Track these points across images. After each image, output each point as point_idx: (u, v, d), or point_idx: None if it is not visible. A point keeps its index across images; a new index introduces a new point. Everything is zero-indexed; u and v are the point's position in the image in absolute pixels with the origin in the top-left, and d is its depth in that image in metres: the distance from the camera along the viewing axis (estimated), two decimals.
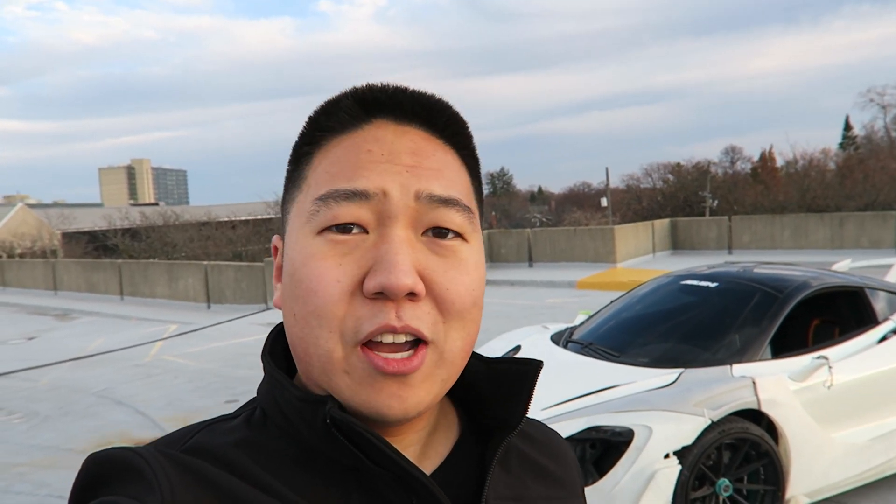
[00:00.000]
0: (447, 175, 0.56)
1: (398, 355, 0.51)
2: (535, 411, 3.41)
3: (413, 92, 0.58)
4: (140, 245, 23.48)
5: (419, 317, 0.51)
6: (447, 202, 0.54)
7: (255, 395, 0.61)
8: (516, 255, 17.91)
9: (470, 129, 0.61)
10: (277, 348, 0.61)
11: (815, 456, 3.52)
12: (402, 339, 0.51)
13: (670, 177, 34.17)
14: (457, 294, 0.53)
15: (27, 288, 19.59)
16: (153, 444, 0.54)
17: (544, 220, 44.04)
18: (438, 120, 0.58)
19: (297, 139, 0.59)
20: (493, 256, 18.31)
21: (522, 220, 42.17)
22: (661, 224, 19.14)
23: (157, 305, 14.67)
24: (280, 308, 0.57)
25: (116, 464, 0.49)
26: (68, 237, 31.24)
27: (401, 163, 0.54)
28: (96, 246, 27.50)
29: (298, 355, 0.55)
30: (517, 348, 4.47)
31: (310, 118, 0.58)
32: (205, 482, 0.49)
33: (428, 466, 0.59)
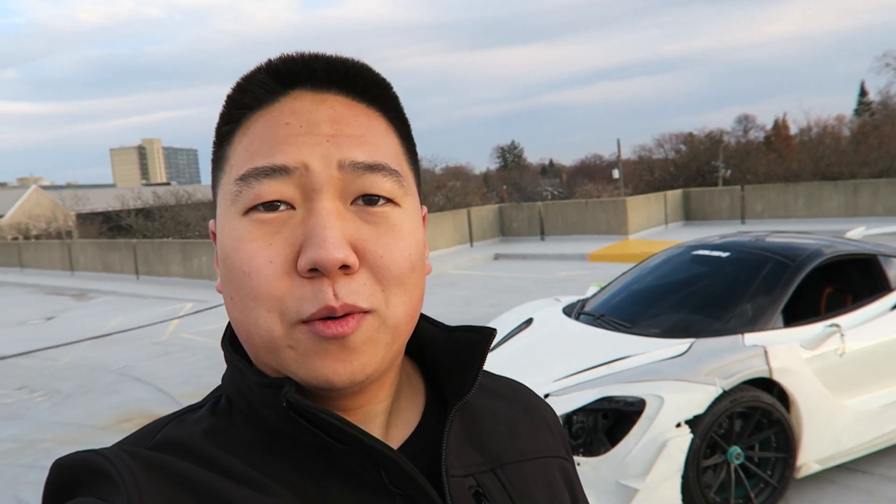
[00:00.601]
0: (371, 140, 0.54)
1: (335, 319, 0.50)
2: (548, 383, 3.45)
3: (329, 58, 0.55)
4: (153, 225, 23.64)
5: (355, 291, 0.50)
6: (373, 168, 0.53)
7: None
8: (528, 228, 17.88)
9: (394, 91, 0.59)
10: (237, 336, 0.60)
11: (827, 423, 3.54)
12: (341, 314, 0.50)
13: (682, 147, 33.81)
14: (392, 260, 0.52)
15: (44, 269, 19.83)
16: (120, 443, 0.54)
17: (556, 193, 43.80)
18: (357, 84, 0.56)
19: (218, 119, 0.57)
20: (505, 230, 18.29)
21: (534, 194, 41.96)
22: (674, 195, 19.00)
23: (172, 284, 14.82)
24: (221, 293, 0.56)
25: (83, 467, 0.49)
26: (82, 218, 31.50)
27: (320, 133, 0.52)
28: (110, 226, 27.73)
29: (242, 337, 0.54)
30: (529, 321, 4.49)
31: (227, 96, 0.56)
32: (172, 477, 0.49)
33: (397, 436, 0.59)
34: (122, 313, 11.68)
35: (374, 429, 0.58)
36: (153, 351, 8.39)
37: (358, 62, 0.57)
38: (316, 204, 0.51)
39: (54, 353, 8.81)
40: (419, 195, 0.61)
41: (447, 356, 0.63)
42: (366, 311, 0.51)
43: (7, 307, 13.80)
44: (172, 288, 14.26)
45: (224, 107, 0.56)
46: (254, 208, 0.52)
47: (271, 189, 0.51)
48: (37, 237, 26.66)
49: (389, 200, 0.54)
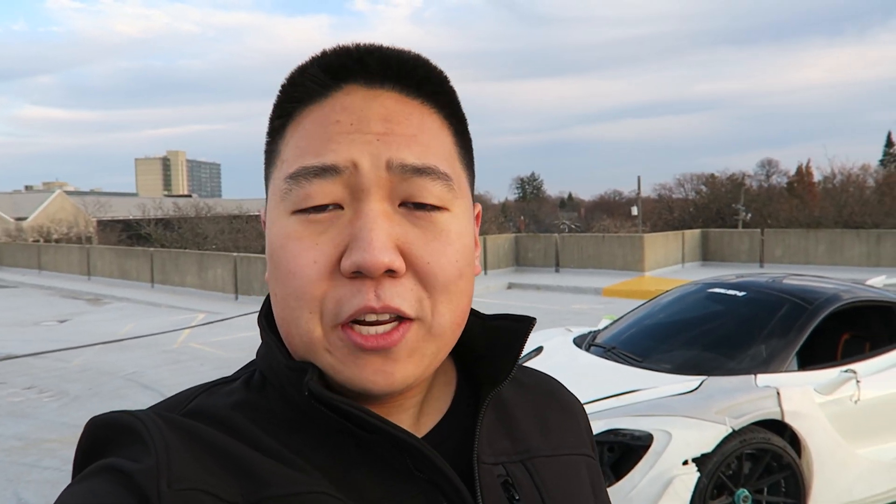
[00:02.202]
0: (423, 140, 0.53)
1: (378, 329, 0.50)
2: None
3: (384, 50, 0.54)
4: (172, 235, 23.89)
5: (400, 294, 0.50)
6: (422, 171, 0.51)
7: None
8: (543, 259, 17.83)
9: (451, 86, 0.57)
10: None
11: (839, 471, 3.45)
12: (385, 316, 0.50)
13: (703, 188, 33.74)
14: (439, 267, 0.51)
15: (62, 272, 20.08)
16: (154, 408, 0.54)
17: (573, 226, 43.77)
18: (412, 79, 0.54)
19: (271, 112, 0.57)
20: (520, 260, 18.26)
21: (551, 226, 41.97)
22: (692, 234, 18.90)
23: (186, 294, 14.92)
24: (268, 283, 0.56)
25: (115, 427, 0.50)
26: (103, 224, 31.94)
27: (370, 131, 0.51)
28: (130, 234, 28.07)
29: (283, 333, 0.54)
30: (539, 349, 4.46)
31: (281, 88, 0.55)
32: (201, 443, 0.49)
33: (426, 424, 0.59)
34: (136, 320, 11.75)
35: (406, 419, 0.58)
36: (163, 359, 8.42)
37: (413, 55, 0.55)
38: (363, 205, 0.50)
39: (66, 355, 8.87)
40: (472, 194, 0.59)
41: (484, 344, 0.62)
42: (411, 320, 0.50)
43: (23, 308, 13.96)
44: (186, 298, 14.35)
45: (277, 99, 0.56)
46: (303, 209, 0.51)
47: (321, 190, 0.50)
48: (57, 241, 27.04)
49: (438, 207, 0.53)
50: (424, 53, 0.57)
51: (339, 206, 0.51)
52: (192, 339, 9.72)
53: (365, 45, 0.54)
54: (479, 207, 0.61)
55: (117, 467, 0.47)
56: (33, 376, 7.67)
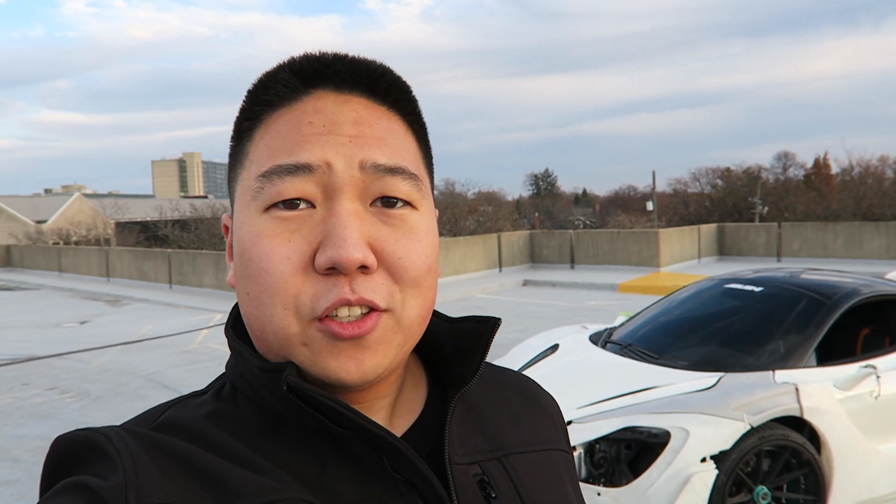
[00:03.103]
0: (392, 143, 0.55)
1: (351, 319, 0.51)
2: (571, 410, 3.41)
3: (352, 59, 0.56)
4: (189, 236, 24.10)
5: (373, 288, 0.51)
6: (393, 171, 0.54)
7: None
8: (558, 256, 17.78)
9: (414, 94, 0.60)
10: (240, 323, 0.60)
11: (860, 467, 3.42)
12: (357, 311, 0.51)
13: (719, 182, 33.46)
14: (410, 262, 0.53)
15: (81, 274, 20.33)
16: (126, 423, 0.55)
17: (588, 222, 43.58)
18: (380, 86, 0.57)
19: (237, 114, 0.58)
20: (535, 257, 18.22)
21: (566, 222, 41.82)
22: (708, 229, 18.74)
23: (203, 294, 15.05)
24: (234, 287, 0.57)
25: (81, 444, 0.50)
26: (121, 226, 32.28)
27: (343, 133, 0.53)
28: (147, 236, 28.37)
29: (255, 333, 0.55)
30: (555, 347, 4.45)
31: (248, 92, 0.57)
32: (170, 456, 0.49)
33: (401, 426, 0.60)
34: (154, 321, 11.88)
35: (378, 420, 0.58)
36: (181, 359, 8.51)
37: (380, 65, 0.57)
38: (336, 203, 0.52)
39: (86, 356, 8.99)
40: (433, 204, 0.62)
41: (449, 346, 0.64)
42: (382, 311, 0.52)
43: (44, 310, 14.16)
44: (204, 298, 14.47)
45: (245, 102, 0.57)
46: (274, 205, 0.52)
47: (293, 186, 0.52)
48: (76, 243, 27.39)
49: (407, 203, 0.55)
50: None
51: (310, 205, 0.52)
52: (209, 340, 9.81)
53: (334, 53, 0.56)
54: (437, 212, 0.63)
55: (84, 484, 0.46)
56: (55, 377, 7.79)
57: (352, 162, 0.53)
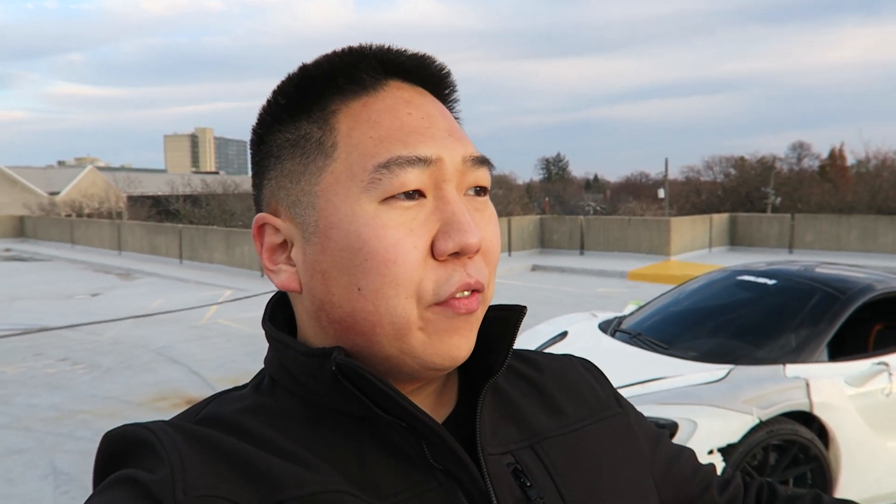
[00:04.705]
0: (467, 137, 0.59)
1: (463, 296, 0.54)
2: None
3: (426, 57, 0.59)
4: (200, 211, 24.20)
5: (479, 270, 0.55)
6: (483, 162, 0.57)
7: None
8: (568, 242, 17.73)
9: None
10: (278, 315, 0.61)
11: (868, 464, 3.41)
12: (466, 293, 0.54)
13: (732, 171, 33.15)
14: (495, 245, 0.58)
15: (93, 247, 20.47)
16: (171, 419, 0.56)
17: (598, 208, 43.38)
18: (443, 86, 0.61)
19: (297, 99, 0.56)
20: (545, 242, 18.17)
21: (576, 208, 41.63)
22: (720, 218, 18.61)
23: (213, 270, 15.13)
24: (291, 290, 0.56)
25: (129, 440, 0.52)
26: (133, 200, 32.44)
27: (441, 127, 0.56)
28: (159, 210, 28.49)
29: (360, 329, 0.54)
30: (564, 334, 4.45)
31: (319, 77, 0.55)
32: (214, 450, 0.50)
33: (441, 415, 0.60)
34: (164, 295, 11.97)
35: (424, 407, 0.59)
36: (191, 334, 8.58)
37: (445, 66, 0.60)
38: (447, 193, 0.55)
39: (98, 328, 9.08)
40: None
41: (480, 336, 0.63)
42: (479, 291, 0.56)
43: (57, 281, 14.28)
44: (214, 274, 14.55)
45: (314, 87, 0.55)
46: (393, 197, 0.53)
47: (416, 178, 0.53)
48: (89, 216, 27.55)
49: (486, 191, 0.59)
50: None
51: (422, 196, 0.54)
52: (219, 316, 9.87)
53: (411, 51, 0.58)
54: None
55: (133, 478, 0.48)
56: (67, 348, 7.87)
57: (456, 155, 0.55)
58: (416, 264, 0.53)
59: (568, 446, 0.63)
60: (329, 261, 0.54)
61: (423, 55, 0.59)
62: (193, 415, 0.56)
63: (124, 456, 0.51)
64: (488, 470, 0.56)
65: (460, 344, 0.55)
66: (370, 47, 0.56)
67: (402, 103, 0.55)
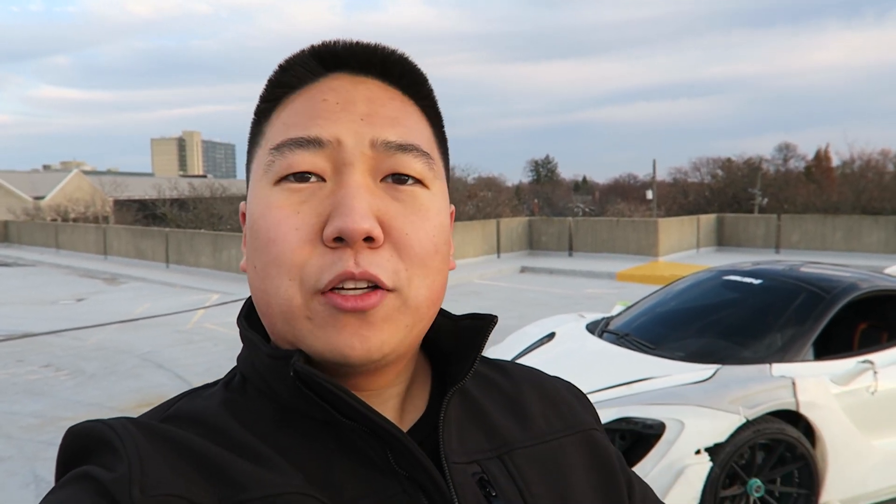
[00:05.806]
0: (404, 123, 0.56)
1: (355, 293, 0.51)
2: None
3: (369, 45, 0.58)
4: (187, 215, 24.03)
5: (378, 263, 0.51)
6: (404, 148, 0.54)
7: None
8: (557, 243, 17.76)
9: (430, 84, 0.60)
10: (254, 314, 0.60)
11: (854, 462, 3.42)
12: (362, 285, 0.51)
13: (719, 172, 33.39)
14: (416, 239, 0.53)
15: (79, 251, 20.29)
16: (141, 415, 0.56)
17: (587, 210, 43.52)
18: (394, 71, 0.58)
19: (258, 100, 0.59)
20: (533, 243, 18.20)
21: (565, 210, 41.77)
22: (707, 219, 18.72)
23: (200, 274, 15.02)
24: (246, 271, 0.57)
25: (89, 437, 0.51)
26: (119, 204, 32.19)
27: (355, 111, 0.54)
28: (146, 214, 28.29)
29: (262, 309, 0.55)
30: (551, 335, 4.44)
31: (269, 79, 0.58)
32: (176, 447, 0.49)
33: (408, 421, 0.59)
34: (151, 300, 11.86)
35: (387, 412, 0.58)
36: (177, 339, 8.50)
37: (396, 51, 0.58)
38: (346, 177, 0.52)
39: (82, 333, 8.98)
40: (447, 191, 0.61)
41: (450, 344, 0.63)
42: (388, 290, 0.52)
43: (41, 286, 14.13)
44: (201, 278, 14.45)
45: (267, 84, 0.58)
46: (285, 178, 0.53)
47: (304, 159, 0.52)
48: (74, 220, 27.30)
49: (418, 181, 0.55)
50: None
51: (321, 179, 0.53)
52: (206, 320, 9.80)
53: (352, 40, 0.58)
54: (453, 208, 0.62)
55: (91, 475, 0.47)
56: (50, 354, 7.78)
57: (362, 139, 0.53)
58: (297, 246, 0.51)
59: (538, 457, 0.62)
60: (247, 240, 0.56)
61: (360, 43, 0.57)
62: (163, 411, 0.56)
63: (84, 453, 0.50)
64: (453, 479, 0.55)
65: (352, 343, 0.51)
66: (315, 45, 0.57)
67: (325, 90, 0.55)
